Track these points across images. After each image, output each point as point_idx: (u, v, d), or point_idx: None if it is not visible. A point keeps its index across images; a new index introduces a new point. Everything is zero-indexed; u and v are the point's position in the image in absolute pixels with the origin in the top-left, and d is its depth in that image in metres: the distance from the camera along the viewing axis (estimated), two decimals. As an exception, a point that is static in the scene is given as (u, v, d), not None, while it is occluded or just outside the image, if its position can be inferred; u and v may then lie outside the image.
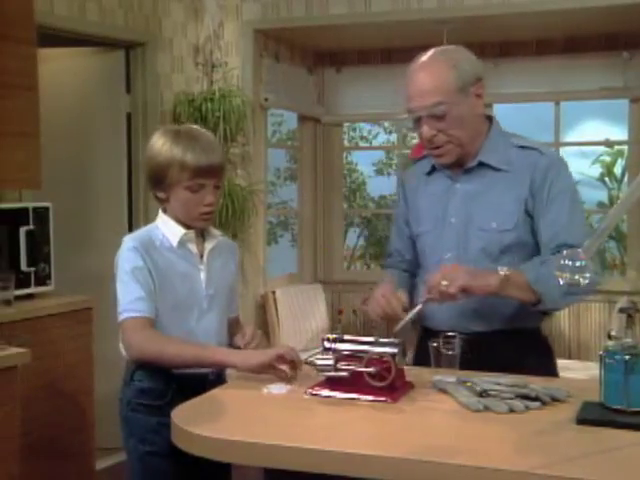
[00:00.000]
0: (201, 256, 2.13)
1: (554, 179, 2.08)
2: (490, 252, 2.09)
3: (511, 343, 2.08)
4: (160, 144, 2.07)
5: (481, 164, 2.14)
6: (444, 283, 1.93)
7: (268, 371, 1.91)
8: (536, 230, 2.10)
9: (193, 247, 2.12)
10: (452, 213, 2.15)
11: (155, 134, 2.12)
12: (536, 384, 1.81)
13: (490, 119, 2.19)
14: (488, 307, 2.08)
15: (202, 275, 2.11)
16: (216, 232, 2.19)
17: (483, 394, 1.76)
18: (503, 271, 1.97)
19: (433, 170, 2.24)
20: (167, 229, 2.10)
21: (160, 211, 2.15)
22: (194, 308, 2.09)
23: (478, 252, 2.10)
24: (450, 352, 1.98)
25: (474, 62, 2.14)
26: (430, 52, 2.15)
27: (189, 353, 1.96)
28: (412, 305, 2.10)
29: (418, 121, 2.09)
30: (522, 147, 2.14)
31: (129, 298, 1.99)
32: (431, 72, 2.08)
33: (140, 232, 2.14)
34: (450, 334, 2.00)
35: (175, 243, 2.09)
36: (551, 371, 2.15)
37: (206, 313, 2.11)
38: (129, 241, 2.06)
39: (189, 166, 2.03)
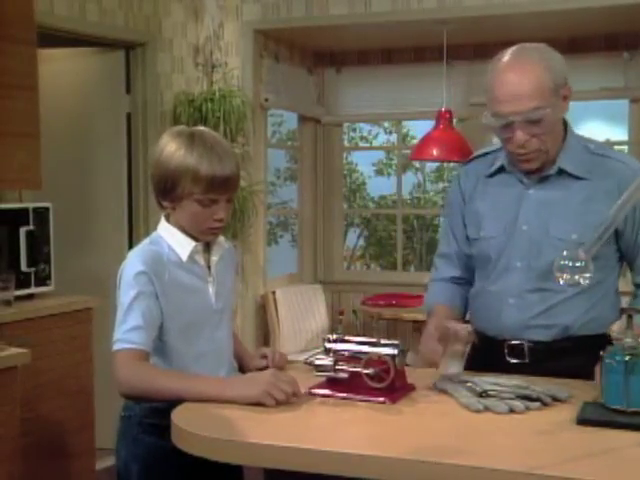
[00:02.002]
0: (208, 267, 1.98)
1: None
2: None
3: (578, 350, 2.02)
4: (172, 149, 1.89)
5: (560, 171, 2.03)
6: None
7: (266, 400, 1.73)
8: (627, 252, 2.04)
9: (200, 259, 1.96)
10: (524, 220, 2.04)
11: (165, 136, 1.94)
12: (537, 384, 1.81)
13: (565, 122, 2.07)
14: (554, 315, 2.02)
15: (211, 289, 1.96)
16: (222, 240, 2.03)
17: (483, 394, 1.76)
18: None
19: (497, 172, 2.11)
20: (173, 241, 1.93)
21: (163, 219, 1.98)
22: (205, 326, 1.94)
23: (552, 264, 1.92)
24: None
25: (562, 61, 1.99)
26: (516, 50, 1.99)
27: (177, 388, 1.76)
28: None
29: (509, 125, 1.95)
30: (600, 155, 2.04)
31: (125, 327, 1.81)
32: (527, 73, 1.93)
33: (146, 249, 1.93)
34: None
35: (185, 257, 1.92)
36: None
37: (217, 330, 1.97)
38: (137, 264, 1.86)
39: (203, 178, 1.86)
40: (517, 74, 1.93)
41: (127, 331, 1.80)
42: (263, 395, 1.72)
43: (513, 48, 2.00)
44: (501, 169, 2.11)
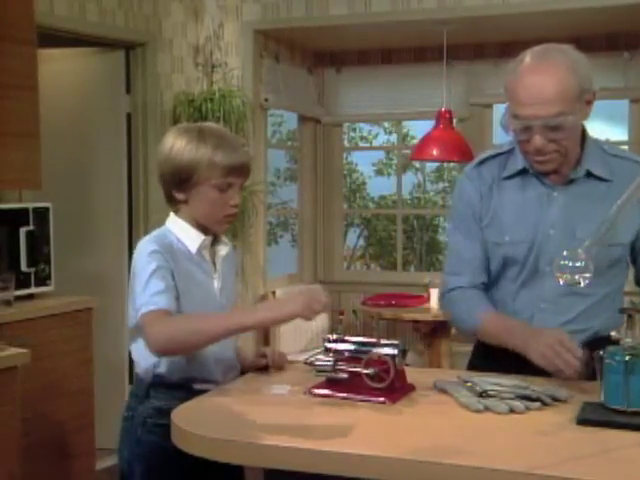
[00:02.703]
0: (213, 263, 1.99)
1: None
2: (597, 267, 1.87)
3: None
4: (182, 144, 1.90)
5: (588, 174, 1.99)
6: None
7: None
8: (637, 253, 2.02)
9: (207, 254, 1.98)
10: (550, 224, 2.00)
11: (170, 134, 1.96)
12: (537, 384, 1.81)
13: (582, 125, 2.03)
14: (585, 319, 2.01)
15: (216, 284, 1.98)
16: (225, 239, 2.05)
17: (483, 394, 1.76)
18: None
19: (517, 174, 2.05)
20: (183, 234, 1.94)
21: (172, 214, 1.99)
22: None
23: None
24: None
25: (588, 65, 1.94)
26: (541, 50, 1.92)
27: (217, 326, 1.78)
28: None
29: (528, 128, 1.90)
30: (618, 156, 2.02)
31: (148, 292, 1.81)
32: (552, 77, 1.86)
33: (156, 236, 1.94)
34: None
35: (194, 250, 1.93)
36: None
37: None
38: (149, 244, 1.88)
39: (220, 164, 1.88)
40: (545, 77, 1.87)
41: (151, 295, 1.80)
42: (303, 309, 1.73)
43: (537, 48, 1.94)
44: (522, 171, 2.04)
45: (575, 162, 2.00)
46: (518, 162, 2.05)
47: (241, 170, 1.94)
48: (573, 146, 1.98)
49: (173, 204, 1.98)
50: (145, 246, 1.89)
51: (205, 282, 1.95)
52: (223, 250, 2.01)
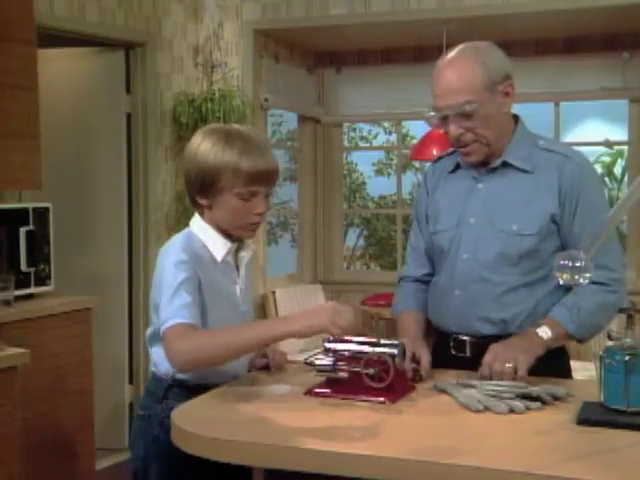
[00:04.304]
0: (236, 268, 1.96)
1: (586, 191, 2.02)
2: (508, 256, 2.02)
3: None
4: (208, 146, 1.86)
5: (505, 164, 2.08)
6: (508, 366, 1.84)
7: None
8: (565, 244, 2.03)
9: (231, 260, 1.94)
10: (471, 213, 2.10)
11: (198, 136, 1.91)
12: (535, 384, 1.81)
13: (516, 118, 2.13)
14: (497, 309, 2.05)
15: (238, 289, 1.95)
16: (249, 241, 2.00)
17: (484, 394, 1.76)
18: (547, 334, 1.93)
19: (457, 168, 2.18)
20: (209, 240, 1.90)
21: (197, 216, 1.94)
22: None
23: (496, 255, 2.03)
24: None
25: (503, 59, 2.06)
26: (458, 49, 2.07)
27: (241, 340, 1.75)
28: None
29: (445, 119, 2.03)
30: (547, 150, 2.08)
31: (174, 305, 1.77)
32: (459, 69, 2.01)
33: (184, 242, 1.89)
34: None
35: (220, 258, 1.90)
36: (564, 374, 2.08)
37: None
38: (178, 252, 1.83)
39: (244, 171, 1.83)
40: (452, 70, 2.01)
41: (177, 308, 1.76)
42: (330, 324, 1.71)
43: (456, 47, 2.08)
44: (459, 165, 2.17)
45: (499, 153, 2.09)
46: (459, 158, 2.17)
47: (267, 177, 1.88)
48: (496, 136, 2.06)
49: (197, 207, 1.94)
50: (174, 254, 1.84)
51: (229, 289, 1.93)
52: (247, 255, 1.98)
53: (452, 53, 2.06)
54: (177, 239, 1.91)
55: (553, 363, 2.02)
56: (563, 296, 2.04)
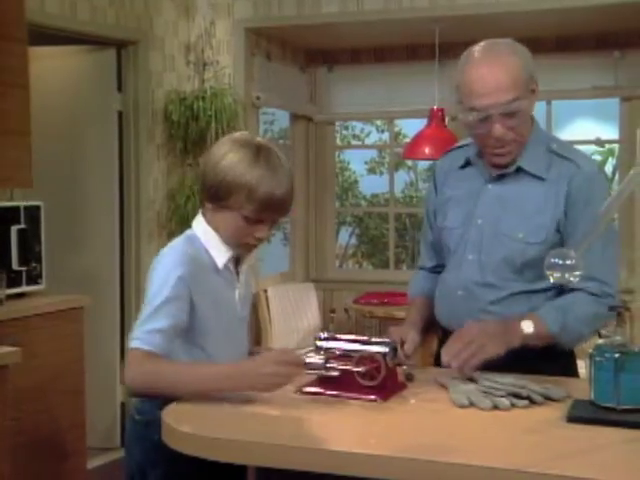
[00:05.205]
0: (237, 274, 1.94)
1: (591, 205, 1.92)
2: (512, 262, 1.99)
3: (520, 348, 1.98)
4: (234, 160, 1.82)
5: (518, 169, 2.03)
6: (467, 352, 1.83)
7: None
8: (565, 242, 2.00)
9: (231, 265, 1.92)
10: (479, 214, 2.05)
11: (226, 143, 1.87)
12: (536, 383, 1.79)
13: (532, 118, 2.07)
14: (496, 312, 2.02)
15: (237, 295, 1.93)
16: None
17: (483, 390, 1.76)
18: (529, 329, 1.90)
19: (467, 164, 2.12)
20: (211, 246, 1.88)
21: (201, 216, 1.92)
22: (230, 336, 1.91)
23: (499, 260, 2.00)
24: None
25: (530, 55, 2.02)
26: (487, 45, 1.99)
27: (193, 387, 1.76)
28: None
29: (486, 119, 1.94)
30: (560, 155, 2.03)
31: (147, 327, 1.76)
32: (505, 65, 1.93)
33: (185, 248, 1.86)
34: None
35: (221, 264, 1.88)
36: (571, 373, 2.06)
37: (236, 338, 1.94)
38: (175, 264, 1.81)
39: (258, 199, 1.81)
40: (493, 67, 1.94)
41: (148, 332, 1.76)
42: (264, 389, 1.73)
43: (482, 44, 2.01)
44: (469, 162, 2.12)
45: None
46: (469, 153, 2.12)
47: (278, 208, 1.87)
48: (527, 136, 2.02)
49: (202, 206, 1.92)
50: (171, 264, 1.82)
51: (228, 295, 1.92)
52: (247, 262, 1.96)
53: (481, 50, 1.98)
54: (178, 244, 1.89)
55: (559, 362, 2.02)
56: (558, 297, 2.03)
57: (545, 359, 1.95)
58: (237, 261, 1.95)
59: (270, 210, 1.85)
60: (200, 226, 1.91)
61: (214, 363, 1.84)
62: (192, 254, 1.86)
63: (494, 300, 2.03)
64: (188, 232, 1.92)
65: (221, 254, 1.89)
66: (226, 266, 1.90)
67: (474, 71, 1.95)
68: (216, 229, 1.89)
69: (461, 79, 1.98)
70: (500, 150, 2.00)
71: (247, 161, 1.82)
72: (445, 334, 2.12)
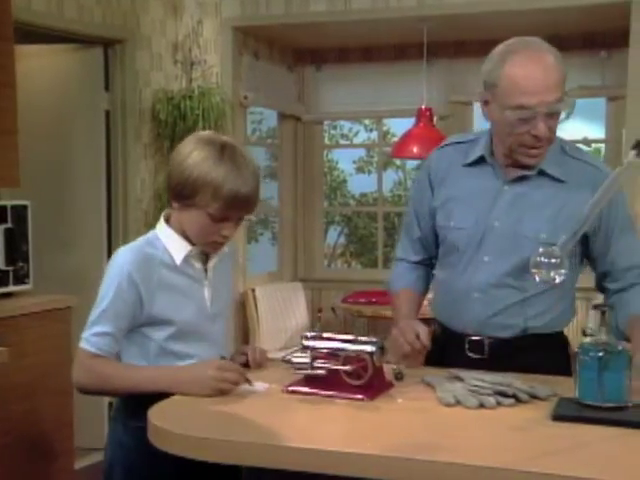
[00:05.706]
0: (205, 271, 1.94)
1: (619, 204, 1.99)
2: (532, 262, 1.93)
3: (536, 347, 2.02)
4: (199, 159, 1.82)
5: (540, 172, 2.00)
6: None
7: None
8: (596, 254, 2.03)
9: (197, 262, 1.92)
10: (496, 216, 2.01)
11: (191, 142, 1.87)
12: (522, 381, 1.80)
13: None
14: (516, 313, 2.02)
15: (206, 293, 1.93)
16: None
17: (470, 389, 1.77)
18: None
19: (477, 162, 2.07)
20: (170, 244, 1.89)
21: (162, 220, 1.94)
22: (199, 329, 1.91)
23: (520, 262, 1.96)
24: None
25: None
26: (526, 42, 1.96)
27: (127, 386, 1.83)
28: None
29: (530, 118, 1.89)
30: (577, 159, 2.02)
31: (95, 330, 1.83)
32: (550, 64, 1.91)
33: (139, 248, 1.89)
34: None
35: (178, 261, 1.88)
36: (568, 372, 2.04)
37: (209, 336, 1.93)
38: (125, 264, 1.84)
39: (223, 196, 1.81)
40: (541, 65, 1.91)
41: (95, 334, 1.84)
42: (210, 392, 1.77)
43: (516, 40, 1.97)
44: (480, 160, 2.06)
45: None
46: (477, 151, 2.08)
47: (244, 206, 1.87)
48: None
49: (169, 205, 1.93)
50: (122, 262, 1.86)
51: (193, 292, 1.91)
52: (214, 259, 1.95)
53: (525, 47, 1.94)
54: (135, 244, 1.92)
55: (556, 359, 2.02)
56: (574, 295, 2.07)
57: (541, 356, 1.96)
58: (207, 259, 1.96)
59: (236, 208, 1.85)
60: (161, 227, 1.93)
61: (160, 365, 1.88)
62: (148, 253, 1.88)
63: (513, 302, 2.02)
64: (150, 234, 1.94)
65: (179, 251, 1.90)
66: (188, 262, 1.91)
67: (519, 69, 1.90)
68: (182, 228, 1.90)
69: (501, 76, 1.92)
70: (535, 151, 1.96)
71: (212, 159, 1.82)
72: (452, 338, 2.10)
